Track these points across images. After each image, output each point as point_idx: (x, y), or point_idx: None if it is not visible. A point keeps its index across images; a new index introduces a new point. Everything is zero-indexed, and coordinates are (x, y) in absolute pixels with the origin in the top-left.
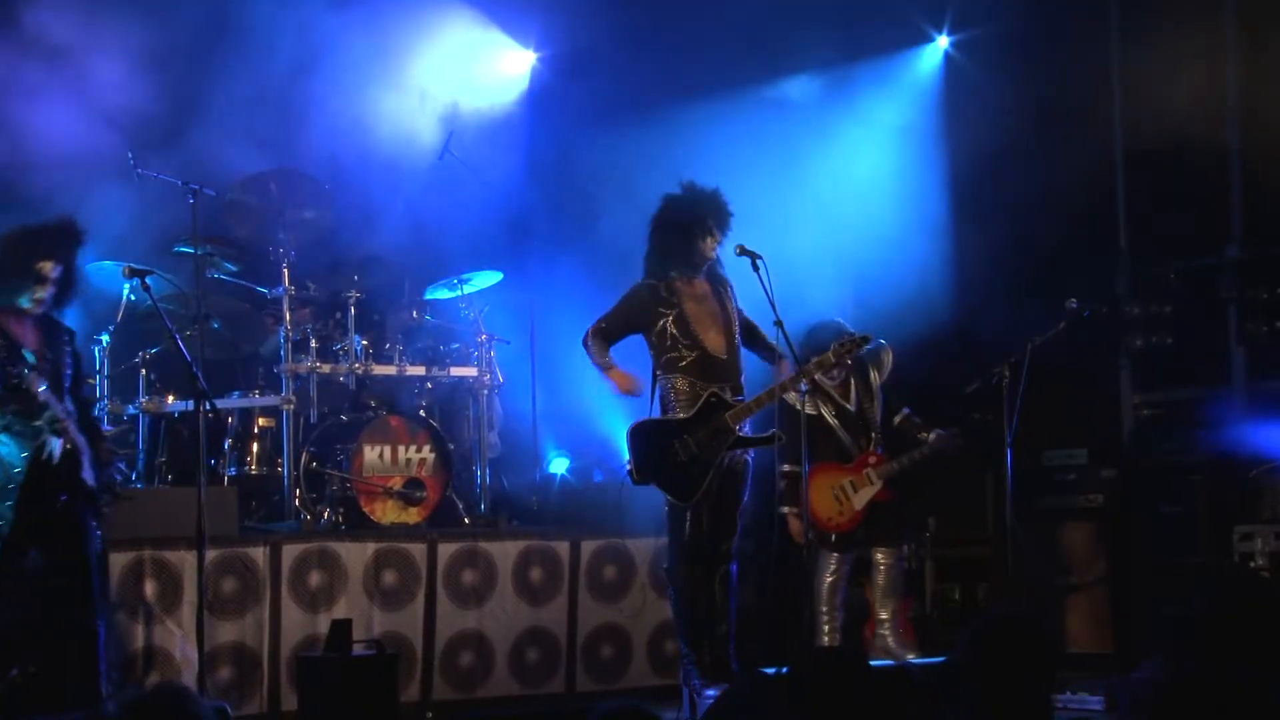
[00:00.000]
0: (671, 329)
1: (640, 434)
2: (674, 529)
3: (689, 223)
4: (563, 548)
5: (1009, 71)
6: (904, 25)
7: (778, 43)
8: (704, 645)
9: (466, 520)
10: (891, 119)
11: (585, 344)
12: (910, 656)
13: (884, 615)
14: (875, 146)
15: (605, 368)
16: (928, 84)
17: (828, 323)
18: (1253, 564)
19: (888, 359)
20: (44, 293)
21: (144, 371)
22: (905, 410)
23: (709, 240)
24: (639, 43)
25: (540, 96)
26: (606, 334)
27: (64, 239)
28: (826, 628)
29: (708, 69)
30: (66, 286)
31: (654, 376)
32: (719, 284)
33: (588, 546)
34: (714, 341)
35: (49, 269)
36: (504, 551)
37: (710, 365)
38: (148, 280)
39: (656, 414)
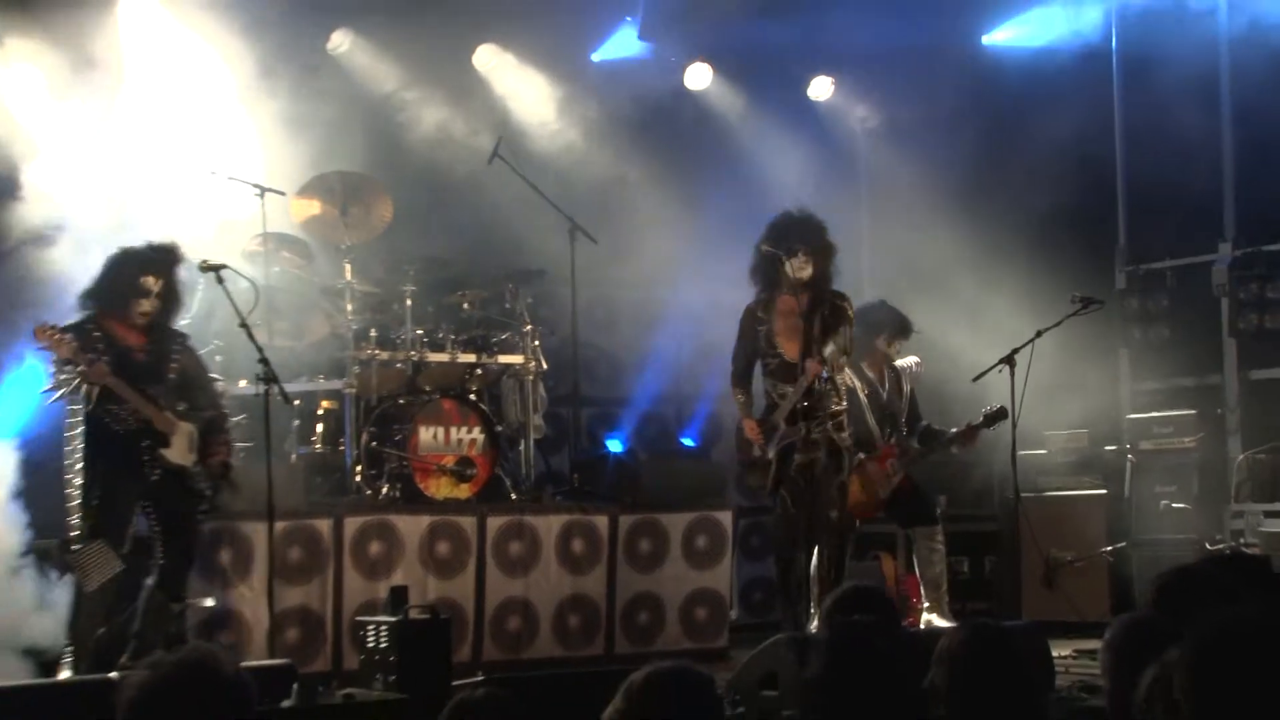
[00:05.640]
0: (764, 343)
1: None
2: (777, 507)
3: (776, 245)
4: (602, 522)
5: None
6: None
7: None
8: (794, 604)
9: (513, 495)
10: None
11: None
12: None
13: (931, 592)
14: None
15: (741, 418)
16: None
17: (875, 304)
18: (1242, 540)
19: (920, 371)
20: (148, 305)
21: (218, 358)
22: (925, 423)
23: (795, 262)
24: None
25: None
26: (737, 374)
27: (164, 256)
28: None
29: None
30: (171, 300)
31: None
32: (820, 299)
33: (625, 521)
34: (791, 350)
35: (151, 283)
36: (548, 525)
37: (788, 369)
38: (221, 274)
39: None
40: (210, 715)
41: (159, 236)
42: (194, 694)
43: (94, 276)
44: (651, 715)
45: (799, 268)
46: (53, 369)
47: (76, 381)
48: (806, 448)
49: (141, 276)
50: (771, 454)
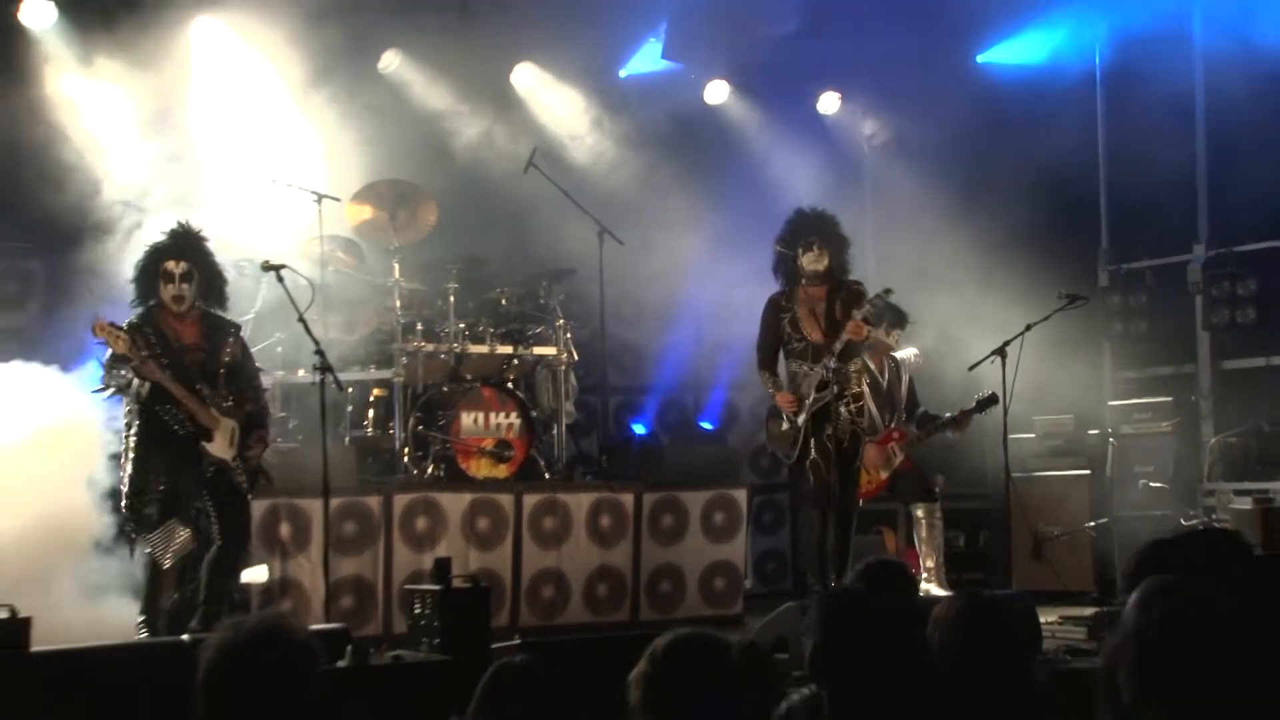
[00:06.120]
0: (788, 328)
1: (769, 413)
2: (803, 483)
3: (791, 241)
4: (628, 499)
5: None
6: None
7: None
8: (819, 575)
9: (547, 475)
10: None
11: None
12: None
13: (929, 564)
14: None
15: (772, 395)
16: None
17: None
18: (1214, 517)
19: (918, 362)
20: (174, 289)
21: (278, 350)
22: (922, 409)
23: (809, 255)
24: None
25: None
26: (763, 359)
27: (182, 240)
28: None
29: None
30: (205, 280)
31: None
32: (838, 287)
33: (648, 499)
34: (814, 333)
35: (173, 266)
36: (578, 502)
37: (813, 350)
38: (281, 273)
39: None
40: (282, 673)
41: (174, 225)
42: (268, 654)
43: (132, 280)
44: (672, 676)
45: (814, 261)
46: (104, 369)
47: (128, 380)
48: (835, 419)
49: (163, 263)
50: (801, 421)
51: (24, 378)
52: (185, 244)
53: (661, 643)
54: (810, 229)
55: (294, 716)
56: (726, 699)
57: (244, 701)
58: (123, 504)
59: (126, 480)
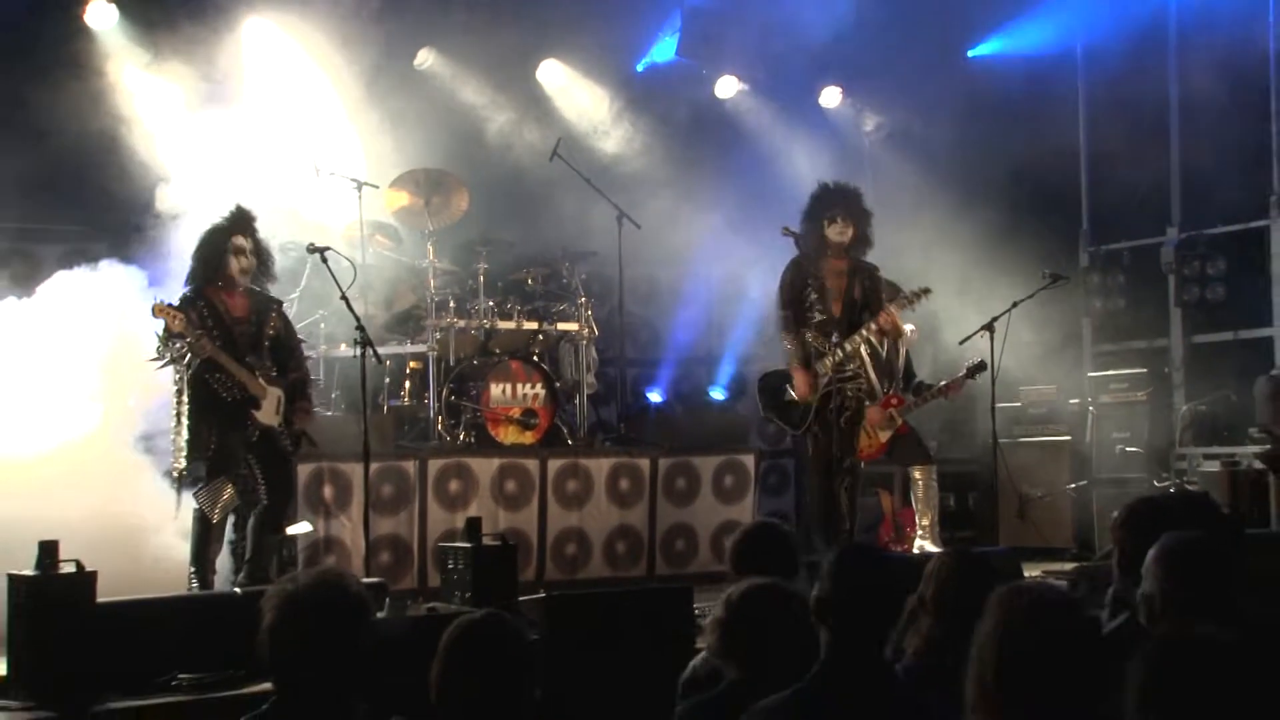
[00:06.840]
0: (812, 294)
1: (763, 382)
2: (804, 452)
3: (817, 214)
4: (644, 463)
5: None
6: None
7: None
8: (824, 534)
9: (570, 441)
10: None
11: (784, 343)
12: None
13: (925, 522)
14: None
15: (792, 370)
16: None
17: None
18: (1184, 479)
19: (914, 337)
20: (245, 262)
21: (322, 326)
22: (917, 379)
23: (835, 227)
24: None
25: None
26: (790, 320)
27: (245, 219)
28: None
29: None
30: (263, 256)
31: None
32: (859, 268)
33: (664, 463)
34: (835, 309)
35: (242, 241)
36: (599, 466)
37: (828, 324)
38: (324, 255)
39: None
40: (338, 621)
41: (234, 206)
42: (327, 604)
43: (193, 257)
44: (746, 622)
45: (840, 233)
46: (160, 342)
47: (185, 354)
48: (842, 396)
49: (232, 238)
50: (815, 397)
51: (109, 280)
52: (247, 222)
53: (736, 591)
54: (836, 202)
55: (348, 660)
56: (795, 643)
57: (304, 648)
58: (177, 465)
59: (183, 443)
